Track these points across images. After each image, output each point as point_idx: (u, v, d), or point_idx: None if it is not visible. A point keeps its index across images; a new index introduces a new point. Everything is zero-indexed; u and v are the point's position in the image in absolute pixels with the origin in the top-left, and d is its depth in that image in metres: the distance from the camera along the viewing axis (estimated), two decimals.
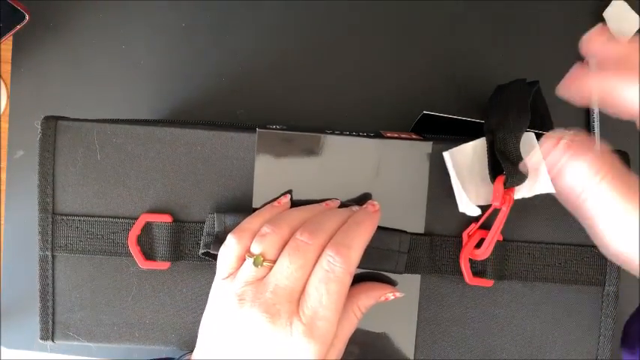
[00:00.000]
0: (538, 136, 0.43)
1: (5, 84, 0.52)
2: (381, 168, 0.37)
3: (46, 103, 0.52)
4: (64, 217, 0.37)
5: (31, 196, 0.51)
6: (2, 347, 0.52)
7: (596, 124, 0.51)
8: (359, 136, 0.37)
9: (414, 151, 0.37)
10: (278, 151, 0.37)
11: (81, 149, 0.37)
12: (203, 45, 0.51)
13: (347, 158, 0.37)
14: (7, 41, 0.51)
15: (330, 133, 0.37)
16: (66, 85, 0.52)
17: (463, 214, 0.37)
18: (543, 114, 0.46)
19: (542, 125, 0.45)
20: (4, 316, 0.52)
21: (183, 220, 0.37)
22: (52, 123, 0.37)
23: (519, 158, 0.35)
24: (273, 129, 0.37)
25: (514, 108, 0.37)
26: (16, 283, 0.52)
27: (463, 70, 0.51)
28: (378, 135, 0.37)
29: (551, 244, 0.38)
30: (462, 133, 0.41)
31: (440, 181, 0.37)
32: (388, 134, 0.38)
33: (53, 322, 0.38)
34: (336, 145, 0.37)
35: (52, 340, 0.38)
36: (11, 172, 0.52)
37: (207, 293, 0.37)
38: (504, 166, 0.35)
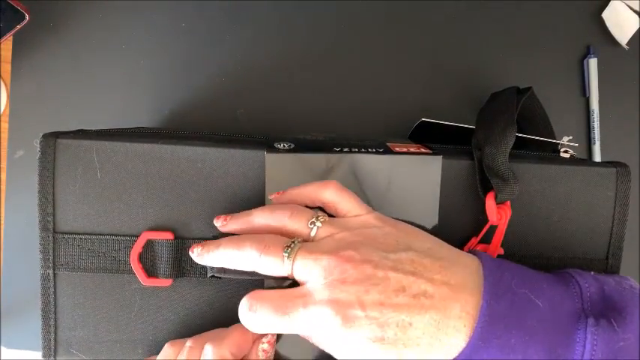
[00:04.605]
0: (538, 143, 0.43)
1: (5, 84, 0.52)
2: (391, 184, 0.36)
3: (46, 103, 0.52)
4: (65, 236, 0.36)
5: (30, 197, 0.51)
6: (2, 347, 0.52)
7: (596, 132, 0.51)
8: (368, 152, 0.36)
9: (425, 166, 0.36)
10: (287, 171, 0.36)
11: (81, 168, 0.36)
12: (203, 45, 0.51)
13: (358, 176, 0.36)
14: (7, 41, 0.51)
15: (339, 151, 0.36)
16: (66, 85, 0.52)
17: (474, 227, 0.37)
18: (541, 119, 0.46)
19: (541, 131, 0.45)
20: (4, 316, 0.52)
21: (184, 236, 0.37)
22: (51, 142, 0.36)
23: (508, 173, 0.35)
24: (282, 149, 0.36)
25: (500, 122, 0.37)
26: (16, 283, 0.52)
27: (463, 72, 0.51)
28: (387, 150, 0.37)
29: (549, 257, 0.38)
30: (460, 140, 0.41)
31: (450, 195, 0.37)
32: (397, 148, 0.37)
33: (55, 340, 0.37)
34: (346, 163, 0.36)
35: (55, 358, 0.38)
36: (11, 172, 0.52)
37: (210, 309, 0.37)
38: (493, 182, 0.35)
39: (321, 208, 0.34)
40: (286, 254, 0.30)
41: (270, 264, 0.31)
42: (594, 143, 0.51)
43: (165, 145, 0.36)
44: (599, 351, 0.28)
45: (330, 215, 0.34)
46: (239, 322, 0.32)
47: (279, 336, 0.36)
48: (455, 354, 0.29)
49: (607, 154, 0.51)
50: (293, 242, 0.31)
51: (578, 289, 0.31)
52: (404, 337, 0.29)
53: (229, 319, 0.37)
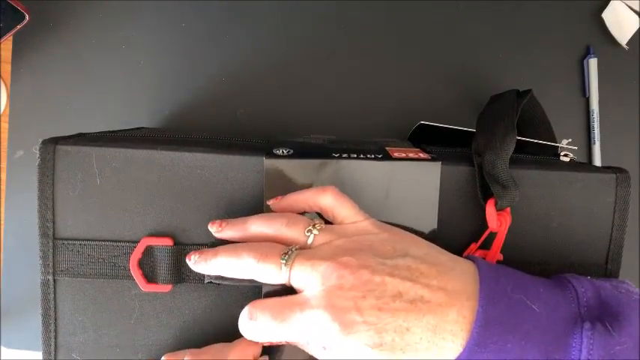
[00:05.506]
0: (539, 146, 0.43)
1: (5, 84, 0.52)
2: (390, 190, 0.36)
3: (46, 103, 0.52)
4: (65, 242, 0.37)
5: (30, 197, 0.51)
6: (2, 347, 0.52)
7: (596, 132, 0.51)
8: (367, 158, 0.36)
9: (424, 172, 0.36)
10: (286, 177, 0.36)
11: (80, 174, 0.36)
12: (203, 45, 0.51)
13: (356, 182, 0.36)
14: (7, 41, 0.51)
15: (338, 157, 0.36)
16: (66, 85, 0.52)
17: (473, 233, 0.37)
18: (541, 121, 0.46)
19: (541, 133, 0.45)
20: (4, 316, 0.52)
21: (184, 242, 0.37)
22: (50, 148, 0.36)
23: (509, 180, 0.35)
24: (280, 155, 0.36)
25: (500, 128, 0.37)
26: (16, 283, 0.52)
27: (463, 72, 0.51)
28: (386, 155, 0.37)
29: (548, 263, 0.38)
30: (458, 142, 0.41)
31: (449, 202, 0.37)
32: (396, 153, 0.37)
33: (56, 345, 0.38)
34: (344, 169, 0.36)
35: None
36: (11, 172, 0.52)
37: (209, 314, 0.37)
38: (494, 189, 0.35)
39: (318, 214, 0.34)
40: (284, 261, 0.30)
41: (267, 272, 0.31)
42: (594, 143, 0.51)
43: (165, 152, 0.36)
44: (596, 355, 0.28)
45: (327, 222, 0.34)
46: (237, 327, 0.32)
47: (271, 356, 0.36)
48: (452, 358, 0.29)
49: (607, 154, 0.51)
50: (290, 250, 0.31)
51: (574, 294, 0.31)
52: (402, 342, 0.29)
53: (228, 324, 0.37)
